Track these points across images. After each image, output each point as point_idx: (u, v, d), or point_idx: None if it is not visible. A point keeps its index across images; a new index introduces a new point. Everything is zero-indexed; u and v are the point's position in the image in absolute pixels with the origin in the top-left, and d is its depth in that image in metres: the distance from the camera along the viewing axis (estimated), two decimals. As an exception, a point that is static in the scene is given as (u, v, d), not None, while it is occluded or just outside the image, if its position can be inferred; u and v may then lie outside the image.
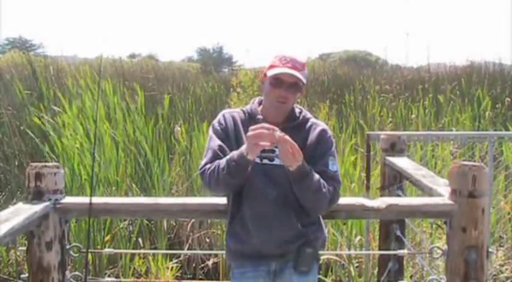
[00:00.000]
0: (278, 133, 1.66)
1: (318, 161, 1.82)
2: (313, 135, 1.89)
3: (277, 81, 1.83)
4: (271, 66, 1.87)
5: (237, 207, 1.88)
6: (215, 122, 1.95)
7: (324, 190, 1.78)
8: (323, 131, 1.91)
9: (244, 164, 1.73)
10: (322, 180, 1.79)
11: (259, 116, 1.90)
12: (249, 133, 1.67)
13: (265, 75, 1.90)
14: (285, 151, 1.66)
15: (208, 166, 1.83)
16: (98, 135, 5.03)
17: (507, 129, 6.31)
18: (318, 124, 1.94)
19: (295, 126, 1.89)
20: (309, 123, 1.93)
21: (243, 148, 1.72)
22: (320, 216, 1.95)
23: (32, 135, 5.48)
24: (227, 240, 1.94)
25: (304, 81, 1.85)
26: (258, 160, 1.83)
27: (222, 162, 1.78)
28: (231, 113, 1.96)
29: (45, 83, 6.68)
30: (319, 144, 1.88)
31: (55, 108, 5.95)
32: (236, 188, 1.84)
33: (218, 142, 1.88)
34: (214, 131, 1.92)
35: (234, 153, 1.75)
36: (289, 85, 1.83)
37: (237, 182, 1.80)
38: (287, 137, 1.66)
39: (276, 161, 1.83)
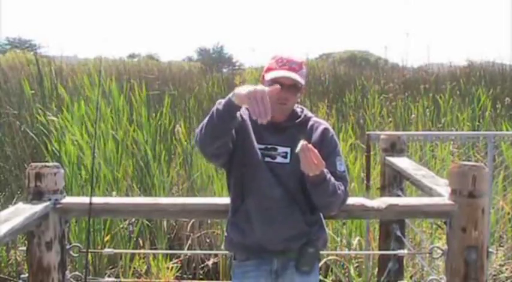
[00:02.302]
0: (301, 142, 1.66)
1: (325, 162, 1.81)
2: (316, 135, 1.90)
3: (276, 84, 1.83)
4: (269, 69, 1.87)
5: (241, 201, 1.88)
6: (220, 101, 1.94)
7: (338, 192, 1.80)
8: (325, 130, 1.92)
9: (229, 109, 1.67)
10: (336, 182, 1.80)
11: None
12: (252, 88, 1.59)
13: (263, 77, 1.91)
14: (308, 161, 1.66)
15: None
16: (100, 134, 5.03)
17: (507, 129, 6.31)
18: (320, 123, 1.95)
19: (297, 125, 1.91)
20: (310, 122, 1.94)
21: (230, 95, 1.68)
22: (322, 216, 1.95)
23: (34, 134, 5.48)
24: (228, 231, 1.94)
25: (303, 82, 1.86)
26: (260, 157, 1.84)
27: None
28: None
29: (48, 82, 6.67)
30: (323, 143, 1.88)
31: (57, 107, 5.95)
32: (222, 146, 1.78)
33: None
34: None
35: (222, 100, 1.72)
36: (288, 87, 1.83)
37: (220, 130, 1.73)
38: (310, 146, 1.66)
39: (279, 159, 1.85)
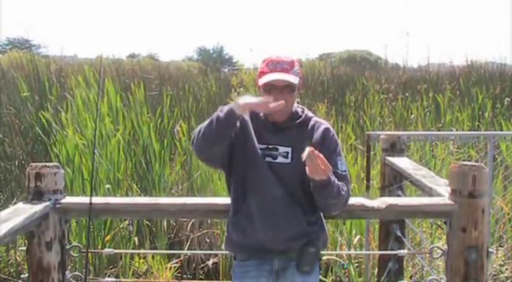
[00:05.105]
0: (308, 148, 1.65)
1: None
2: (317, 134, 1.90)
3: (270, 87, 1.84)
4: (261, 73, 1.89)
5: (242, 201, 1.89)
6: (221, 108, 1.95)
7: (342, 193, 1.80)
8: (326, 130, 1.92)
9: (229, 118, 1.73)
10: (339, 183, 1.80)
11: (262, 114, 1.91)
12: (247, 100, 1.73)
13: (258, 83, 1.91)
14: (315, 166, 1.66)
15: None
16: (100, 134, 5.03)
17: (507, 129, 6.31)
18: (321, 123, 1.95)
19: (298, 125, 1.91)
20: (311, 122, 1.94)
21: (232, 104, 1.75)
22: (322, 216, 1.96)
23: (34, 134, 5.48)
24: (229, 231, 1.94)
25: (296, 81, 1.86)
26: (261, 157, 1.85)
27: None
28: None
29: (47, 82, 6.67)
30: (324, 143, 1.88)
31: (58, 107, 5.95)
32: (218, 151, 1.84)
33: None
34: None
35: (224, 107, 1.77)
36: (282, 88, 1.84)
37: (219, 136, 1.77)
38: (317, 152, 1.65)
39: (279, 159, 1.85)
